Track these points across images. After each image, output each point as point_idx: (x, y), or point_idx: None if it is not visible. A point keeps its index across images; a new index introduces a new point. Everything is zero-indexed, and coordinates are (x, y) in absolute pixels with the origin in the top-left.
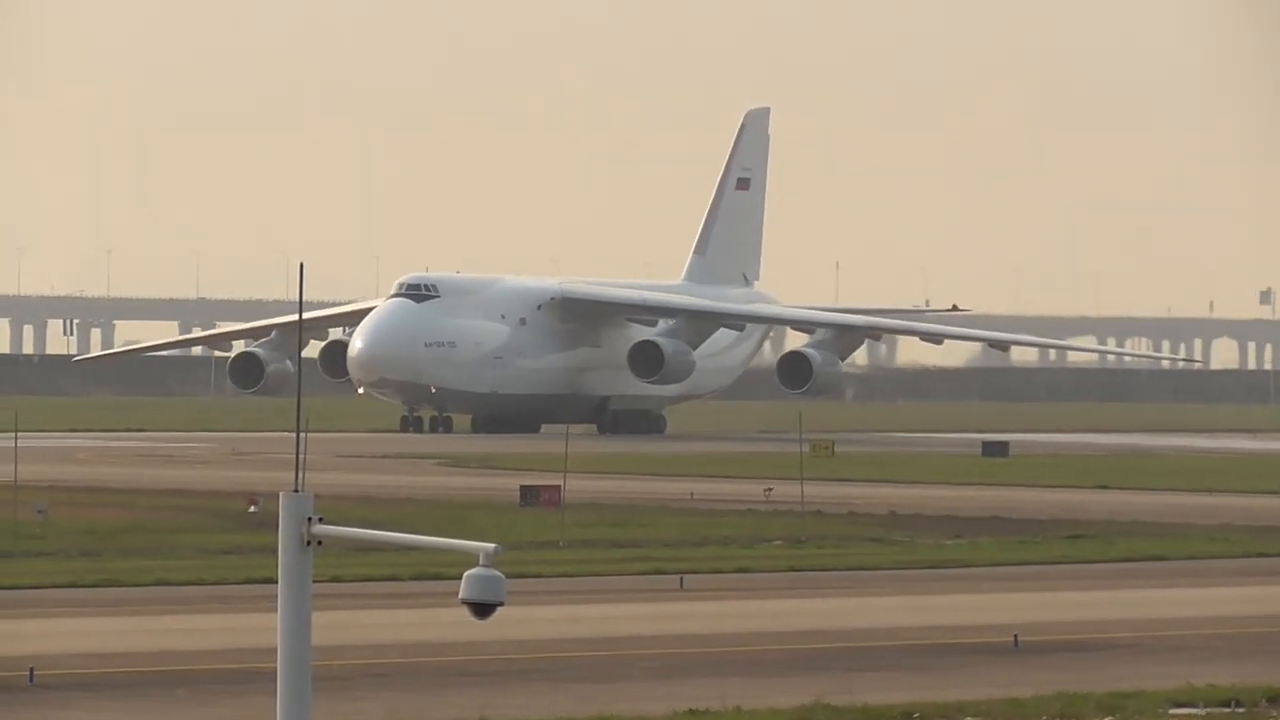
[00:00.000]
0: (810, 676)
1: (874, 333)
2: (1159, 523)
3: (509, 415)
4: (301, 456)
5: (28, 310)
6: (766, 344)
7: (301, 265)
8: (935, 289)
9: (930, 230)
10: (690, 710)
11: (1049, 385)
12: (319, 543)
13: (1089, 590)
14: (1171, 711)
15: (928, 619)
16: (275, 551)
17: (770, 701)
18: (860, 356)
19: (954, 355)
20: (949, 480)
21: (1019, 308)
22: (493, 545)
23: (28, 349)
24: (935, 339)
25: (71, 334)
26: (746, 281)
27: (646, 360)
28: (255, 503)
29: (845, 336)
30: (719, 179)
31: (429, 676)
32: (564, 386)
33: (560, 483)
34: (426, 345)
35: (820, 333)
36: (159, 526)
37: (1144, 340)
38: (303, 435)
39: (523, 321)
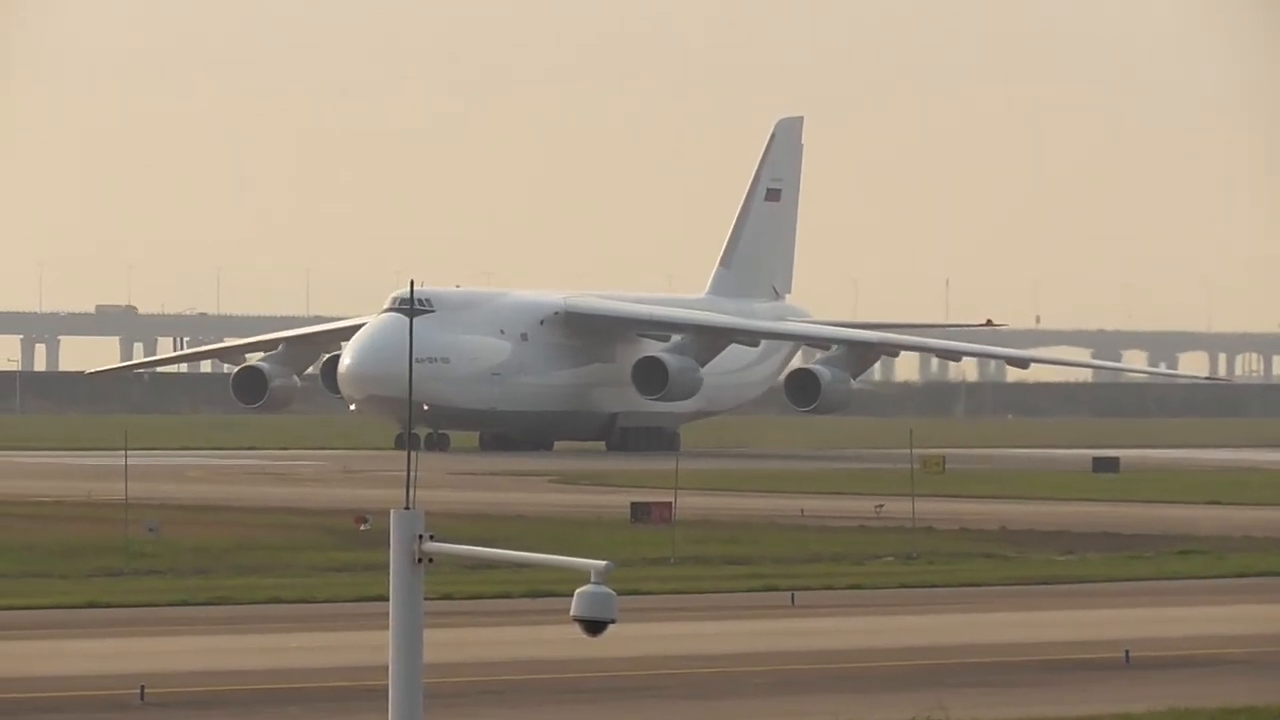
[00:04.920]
0: (922, 692)
1: (890, 349)
2: (1270, 538)
3: (515, 433)
4: (413, 474)
5: (138, 328)
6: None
7: (412, 282)
8: (1009, 306)
9: (1006, 246)
10: None
11: (1159, 400)
12: (430, 560)
13: (1200, 606)
14: None
15: (1039, 635)
16: (386, 569)
17: (881, 716)
18: (970, 373)
19: (1064, 371)
20: (1060, 496)
21: (1131, 323)
22: (604, 562)
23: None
24: (953, 356)
25: (182, 352)
26: (777, 295)
27: (651, 377)
28: (366, 520)
29: (859, 353)
30: (747, 190)
31: (541, 694)
32: (569, 403)
33: (671, 499)
34: (418, 361)
35: (836, 349)
36: (270, 544)
37: (1255, 355)
38: (413, 453)
39: (524, 337)
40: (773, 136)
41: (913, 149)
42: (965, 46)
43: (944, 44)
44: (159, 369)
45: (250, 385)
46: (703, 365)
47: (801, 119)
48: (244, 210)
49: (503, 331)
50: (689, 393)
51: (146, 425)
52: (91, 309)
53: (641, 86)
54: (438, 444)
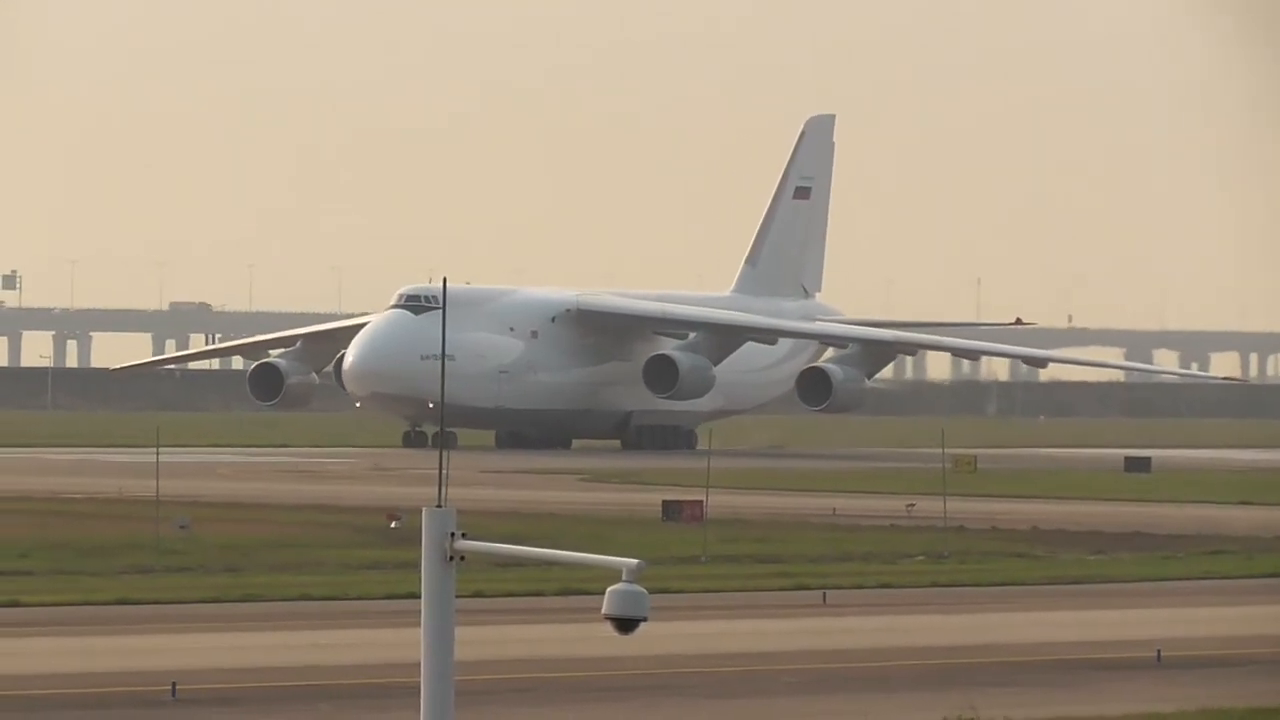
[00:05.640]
0: (952, 691)
1: (907, 348)
2: None
3: (526, 431)
4: (444, 472)
5: (169, 325)
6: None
7: (445, 279)
8: (1032, 305)
9: (1035, 245)
10: None
11: (1191, 400)
12: (462, 558)
13: (1231, 606)
14: None
15: (1070, 634)
16: (418, 567)
17: (911, 716)
18: (1002, 372)
19: (1096, 370)
20: (1091, 495)
21: (1163, 322)
22: (636, 561)
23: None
24: (971, 355)
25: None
26: (806, 293)
27: (662, 375)
28: (397, 518)
29: (874, 352)
30: (775, 188)
31: (572, 692)
32: (581, 401)
33: (703, 498)
34: (423, 358)
35: (851, 347)
36: (301, 541)
37: None
38: (445, 451)
39: (534, 334)
40: (802, 134)
41: (945, 148)
42: (998, 46)
43: (977, 43)
44: (190, 365)
45: (267, 382)
46: (716, 363)
47: (833, 117)
48: (277, 208)
49: (512, 329)
50: (700, 391)
51: (177, 422)
52: (124, 305)
53: (673, 84)
54: (445, 442)
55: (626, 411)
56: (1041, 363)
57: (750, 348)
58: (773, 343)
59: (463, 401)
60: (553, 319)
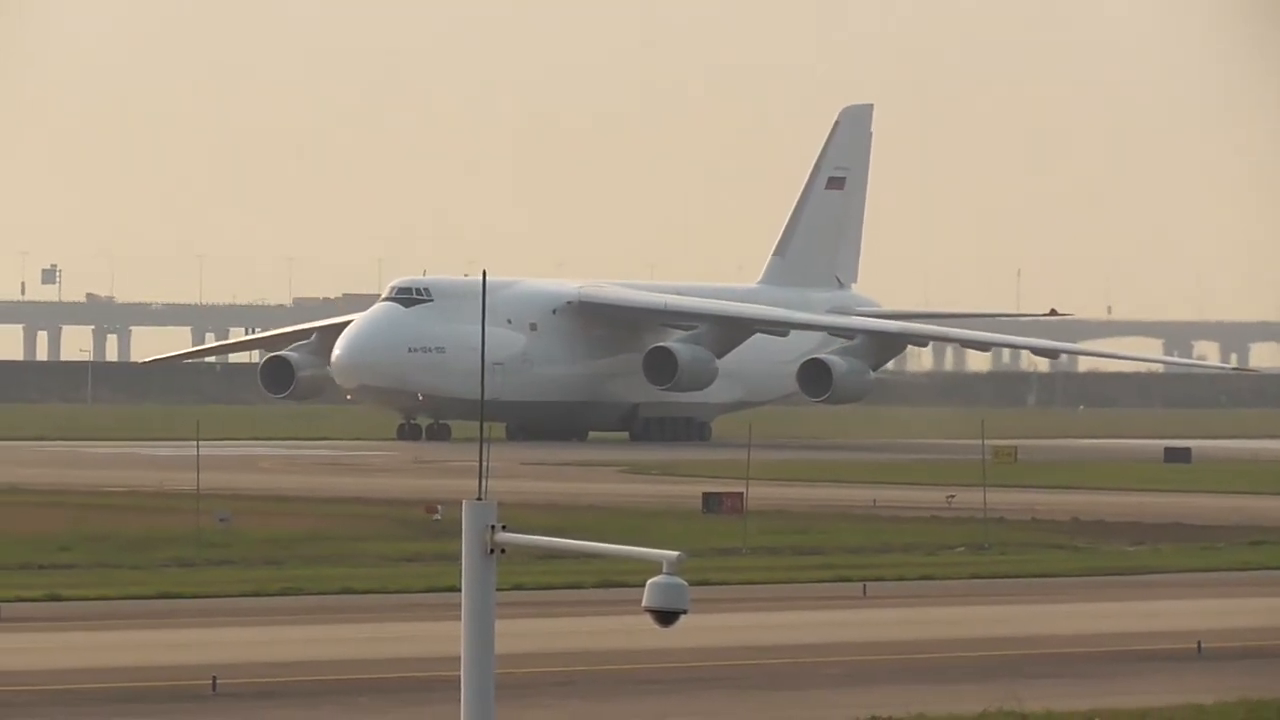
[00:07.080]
0: (993, 683)
1: (919, 340)
2: None
3: (533, 424)
4: (484, 464)
5: (210, 319)
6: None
7: (484, 272)
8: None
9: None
10: (873, 717)
11: (1230, 391)
12: (502, 550)
13: (1272, 597)
14: None
15: (1110, 625)
16: (458, 559)
17: (953, 708)
18: (1042, 363)
19: (1136, 361)
20: (1131, 486)
21: (1202, 313)
22: (676, 553)
23: (210, 358)
24: (982, 347)
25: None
26: (840, 284)
27: (661, 367)
28: (437, 511)
29: (881, 344)
30: (806, 178)
31: (612, 684)
32: (584, 394)
33: (743, 490)
34: (411, 351)
35: (858, 338)
36: (341, 535)
37: None
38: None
39: (533, 327)
40: (836, 124)
41: (985, 138)
42: (1038, 36)
43: (1016, 33)
44: (230, 358)
45: (278, 375)
46: (721, 355)
47: (871, 107)
48: (316, 203)
49: (510, 321)
50: (702, 383)
51: (218, 415)
52: (163, 300)
53: (708, 76)
54: (439, 434)
55: (633, 404)
56: (1053, 354)
57: (774, 340)
58: (783, 334)
59: (454, 394)
60: (554, 311)
